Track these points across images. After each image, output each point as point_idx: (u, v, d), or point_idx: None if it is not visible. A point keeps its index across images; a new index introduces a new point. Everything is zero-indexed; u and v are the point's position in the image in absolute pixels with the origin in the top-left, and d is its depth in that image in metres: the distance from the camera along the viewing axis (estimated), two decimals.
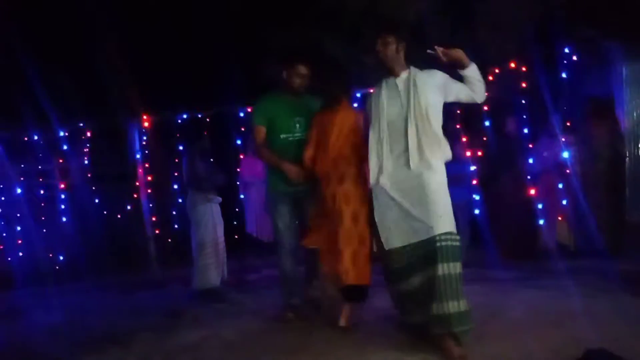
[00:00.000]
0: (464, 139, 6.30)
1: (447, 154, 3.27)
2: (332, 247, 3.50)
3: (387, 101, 3.32)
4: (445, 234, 3.04)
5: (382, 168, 3.29)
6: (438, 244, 3.02)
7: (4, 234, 7.11)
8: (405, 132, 3.21)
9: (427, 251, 3.07)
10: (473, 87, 3.26)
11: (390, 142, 3.29)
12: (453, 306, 2.93)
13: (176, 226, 7.48)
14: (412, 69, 3.34)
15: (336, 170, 3.54)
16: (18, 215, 7.15)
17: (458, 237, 3.11)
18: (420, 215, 3.14)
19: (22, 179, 7.47)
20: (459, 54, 3.20)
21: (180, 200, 6.97)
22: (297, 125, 3.88)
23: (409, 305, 3.25)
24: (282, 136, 3.88)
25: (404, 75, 3.34)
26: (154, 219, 7.30)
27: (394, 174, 3.27)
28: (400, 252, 3.23)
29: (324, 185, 3.58)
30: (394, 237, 3.26)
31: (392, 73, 3.35)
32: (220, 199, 5.39)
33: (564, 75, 6.02)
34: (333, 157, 3.55)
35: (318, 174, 3.64)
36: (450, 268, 2.99)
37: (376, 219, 3.36)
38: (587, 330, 3.17)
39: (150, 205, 7.30)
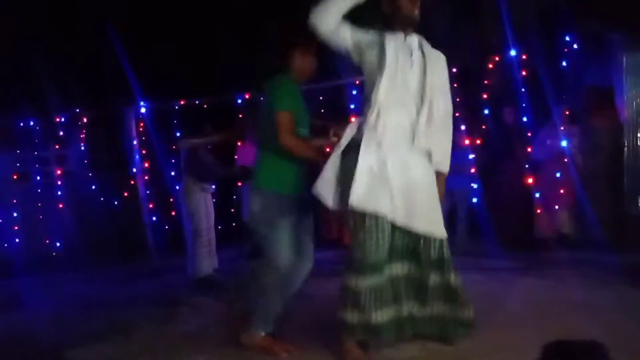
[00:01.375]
0: (463, 127, 6.28)
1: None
2: None
3: (400, 59, 2.80)
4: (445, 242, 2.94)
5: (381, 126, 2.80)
6: (446, 254, 2.90)
7: (1, 221, 7.07)
8: (417, 105, 2.84)
9: (426, 251, 2.89)
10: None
11: (396, 106, 2.81)
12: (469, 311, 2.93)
13: (173, 213, 7.45)
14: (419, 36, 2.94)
15: None
16: (14, 201, 7.10)
17: None
18: (425, 205, 2.87)
19: (18, 165, 7.42)
20: None
21: (177, 187, 6.93)
22: (308, 121, 3.26)
23: (375, 303, 2.82)
24: (299, 130, 3.12)
25: (415, 39, 2.90)
26: (151, 206, 7.27)
27: (394, 143, 2.82)
28: (386, 232, 2.80)
29: None
30: (388, 206, 2.77)
31: (404, 31, 2.86)
32: (213, 187, 5.38)
33: (564, 64, 6.00)
34: None
35: None
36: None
37: (359, 183, 2.75)
38: (587, 321, 3.19)
39: (147, 192, 7.26)
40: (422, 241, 2.89)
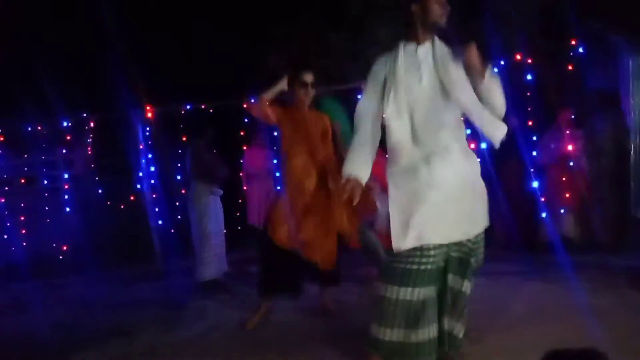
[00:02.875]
0: (468, 131, 6.28)
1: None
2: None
3: (404, 84, 2.68)
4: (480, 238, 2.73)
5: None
6: (474, 253, 2.68)
7: (8, 224, 7.12)
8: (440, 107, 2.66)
9: (461, 257, 2.68)
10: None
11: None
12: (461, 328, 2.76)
13: (179, 217, 7.48)
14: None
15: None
16: (22, 205, 7.15)
17: None
18: (467, 208, 2.63)
19: (25, 169, 7.47)
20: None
21: (183, 192, 6.96)
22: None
23: (410, 320, 2.60)
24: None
25: (428, 47, 2.71)
26: (157, 210, 7.29)
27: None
28: (433, 250, 2.58)
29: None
30: (432, 230, 2.56)
31: (423, 37, 2.69)
32: (221, 191, 5.41)
33: (569, 67, 5.98)
34: None
35: None
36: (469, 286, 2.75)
37: (394, 212, 2.63)
38: (592, 325, 3.16)
39: (154, 196, 7.29)
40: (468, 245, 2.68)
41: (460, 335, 2.76)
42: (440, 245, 2.58)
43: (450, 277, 2.69)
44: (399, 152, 2.68)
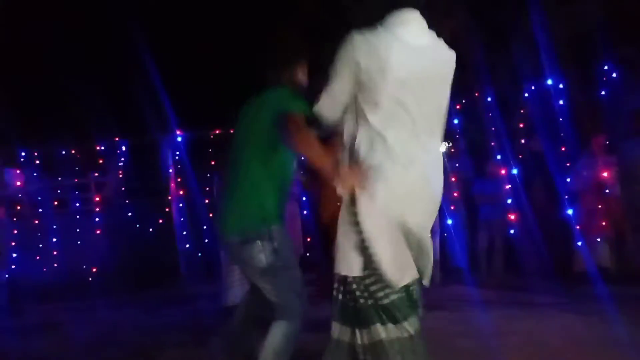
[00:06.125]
0: (499, 157, 6.19)
1: None
2: None
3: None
4: None
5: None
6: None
7: (40, 245, 7.27)
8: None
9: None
10: None
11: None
12: None
13: (206, 240, 7.52)
14: None
15: None
16: (54, 227, 7.29)
17: None
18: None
19: (58, 192, 7.64)
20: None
21: (211, 215, 7.01)
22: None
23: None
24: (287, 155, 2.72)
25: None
26: (184, 233, 7.35)
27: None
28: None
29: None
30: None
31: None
32: None
33: (602, 92, 5.88)
34: None
35: None
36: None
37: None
38: None
39: (182, 219, 7.36)
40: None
41: None
42: None
43: None
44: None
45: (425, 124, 2.23)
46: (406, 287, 2.23)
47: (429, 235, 2.29)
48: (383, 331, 2.17)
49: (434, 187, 2.28)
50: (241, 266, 2.83)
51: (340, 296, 2.27)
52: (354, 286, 2.20)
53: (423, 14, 2.31)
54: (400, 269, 2.19)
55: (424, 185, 2.22)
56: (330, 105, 2.30)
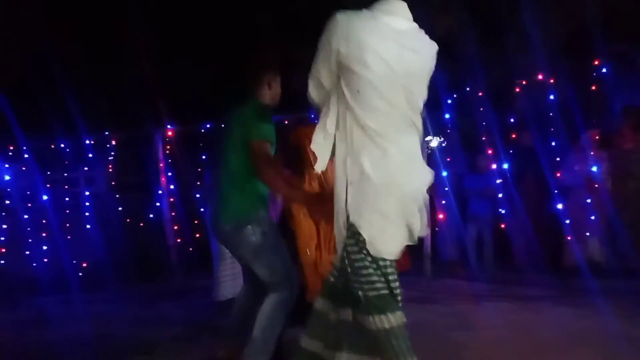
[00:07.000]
0: (490, 152, 6.22)
1: None
2: None
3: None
4: None
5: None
6: None
7: (30, 240, 7.19)
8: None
9: None
10: None
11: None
12: None
13: (197, 235, 7.48)
14: None
15: None
16: (44, 221, 7.22)
17: None
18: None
19: (48, 186, 7.56)
20: None
21: (202, 210, 6.97)
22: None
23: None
24: None
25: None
26: (175, 227, 7.31)
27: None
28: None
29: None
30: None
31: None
32: None
33: (593, 88, 5.92)
34: None
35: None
36: None
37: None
38: (626, 354, 3.06)
39: (173, 214, 7.32)
40: None
41: None
42: None
43: None
44: None
45: (404, 112, 2.26)
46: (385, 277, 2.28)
47: (415, 220, 2.31)
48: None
49: (415, 174, 2.32)
50: (235, 251, 3.11)
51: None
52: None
53: (416, 7, 2.33)
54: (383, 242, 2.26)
55: (404, 171, 2.26)
56: (314, 86, 2.38)
